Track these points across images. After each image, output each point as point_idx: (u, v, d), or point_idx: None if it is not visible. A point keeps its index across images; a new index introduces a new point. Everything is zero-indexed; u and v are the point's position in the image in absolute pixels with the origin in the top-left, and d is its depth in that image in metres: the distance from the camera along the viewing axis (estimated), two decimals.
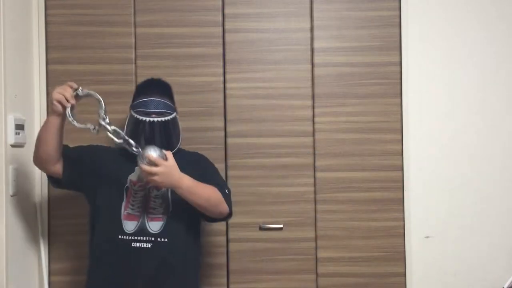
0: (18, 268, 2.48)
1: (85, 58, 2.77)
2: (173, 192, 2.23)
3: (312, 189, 2.76)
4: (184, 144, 2.72)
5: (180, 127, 2.40)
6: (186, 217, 2.28)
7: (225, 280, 2.76)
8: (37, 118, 2.73)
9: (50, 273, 2.74)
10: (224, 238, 2.76)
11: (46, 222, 2.75)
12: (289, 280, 2.75)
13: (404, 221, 2.75)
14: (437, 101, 2.76)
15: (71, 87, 2.19)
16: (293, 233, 2.75)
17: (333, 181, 2.76)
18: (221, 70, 2.78)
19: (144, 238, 2.23)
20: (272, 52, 2.78)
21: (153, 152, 2.10)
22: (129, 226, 2.24)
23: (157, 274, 2.22)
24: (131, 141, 2.16)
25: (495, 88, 2.77)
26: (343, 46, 2.78)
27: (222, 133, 2.77)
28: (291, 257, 2.75)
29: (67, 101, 2.16)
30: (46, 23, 2.76)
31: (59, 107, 2.16)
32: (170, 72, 2.76)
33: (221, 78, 2.78)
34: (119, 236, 2.23)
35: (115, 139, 2.17)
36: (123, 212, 2.25)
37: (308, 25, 2.79)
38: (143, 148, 2.13)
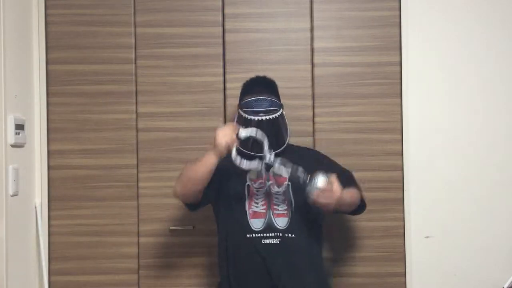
0: (18, 268, 2.48)
1: (85, 58, 2.77)
2: (294, 188, 2.29)
3: None
4: (184, 144, 2.73)
5: (287, 121, 2.42)
6: (309, 212, 2.30)
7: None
8: (37, 118, 2.73)
9: (50, 273, 2.74)
10: None
11: (46, 222, 2.75)
12: None
13: (404, 221, 2.75)
14: (437, 101, 2.76)
15: (234, 129, 2.22)
16: None
17: None
18: (221, 70, 2.78)
19: (273, 234, 2.27)
20: (272, 52, 2.78)
21: (323, 180, 2.11)
22: (257, 224, 2.28)
23: (285, 269, 2.25)
24: (300, 169, 2.16)
25: (495, 88, 2.76)
26: (343, 46, 2.78)
27: None
28: None
29: (233, 143, 2.19)
30: (46, 23, 2.76)
31: (226, 151, 2.19)
32: (170, 72, 2.77)
33: (221, 78, 2.78)
34: (247, 235, 2.26)
35: (283, 173, 2.22)
36: (248, 211, 2.30)
37: (308, 25, 2.79)
38: (313, 177, 2.12)
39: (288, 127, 2.40)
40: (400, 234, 2.76)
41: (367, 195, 2.74)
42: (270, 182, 2.31)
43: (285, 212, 2.30)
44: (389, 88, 2.77)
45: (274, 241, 2.26)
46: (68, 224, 2.75)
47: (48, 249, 2.74)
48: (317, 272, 2.34)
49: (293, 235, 2.28)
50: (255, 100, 2.34)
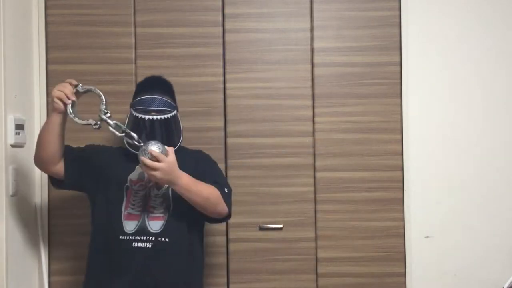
0: (18, 268, 2.48)
1: (85, 58, 2.77)
2: (174, 191, 2.22)
3: (312, 189, 2.76)
4: (184, 144, 2.72)
5: (182, 124, 2.38)
6: (188, 216, 2.26)
7: (225, 280, 2.76)
8: (37, 118, 2.73)
9: (50, 273, 2.74)
10: (224, 238, 2.76)
11: (46, 222, 2.75)
12: (289, 280, 2.75)
13: (404, 221, 2.75)
14: (437, 101, 2.76)
15: (71, 84, 2.18)
16: (293, 233, 2.75)
17: (333, 181, 2.76)
18: (221, 70, 2.78)
19: (145, 238, 2.20)
20: (272, 52, 2.78)
21: (155, 147, 2.08)
22: (130, 226, 2.22)
23: (158, 274, 2.20)
24: (133, 134, 2.14)
25: (495, 88, 2.77)
26: (343, 46, 2.78)
27: (222, 133, 2.77)
28: (291, 257, 2.75)
29: (68, 98, 2.15)
30: (46, 23, 2.76)
31: (60, 105, 2.14)
32: (170, 72, 2.76)
33: (221, 78, 2.78)
34: (120, 237, 2.21)
35: (117, 133, 2.16)
36: (124, 212, 2.24)
37: (308, 25, 2.79)
38: (146, 142, 2.11)
39: (181, 129, 2.35)
40: (400, 234, 2.76)
41: (367, 195, 2.75)
42: (151, 184, 2.23)
43: (161, 215, 2.23)
44: (389, 88, 2.77)
45: (146, 245, 2.19)
46: (68, 224, 2.75)
47: (48, 249, 2.74)
48: (189, 280, 2.27)
49: (166, 239, 2.20)
50: (148, 99, 2.27)
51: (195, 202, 2.19)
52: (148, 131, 2.24)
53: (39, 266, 2.70)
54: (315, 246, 2.76)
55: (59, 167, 2.28)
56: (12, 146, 2.44)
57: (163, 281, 2.21)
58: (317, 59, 2.78)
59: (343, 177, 2.76)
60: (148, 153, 2.07)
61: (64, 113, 2.17)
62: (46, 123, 2.23)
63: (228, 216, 2.32)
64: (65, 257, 2.75)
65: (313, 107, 2.78)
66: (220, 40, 2.78)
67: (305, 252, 2.76)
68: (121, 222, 2.22)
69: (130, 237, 2.21)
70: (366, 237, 2.76)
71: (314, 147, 2.77)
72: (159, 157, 2.06)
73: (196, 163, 2.34)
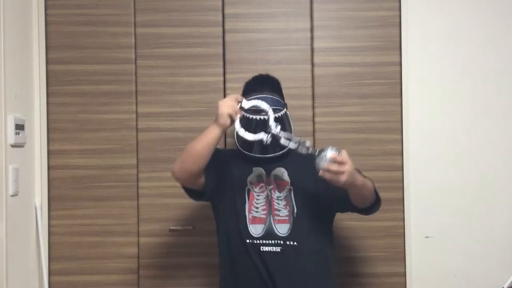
0: (18, 268, 2.48)
1: (85, 58, 2.77)
2: (296, 192, 2.19)
3: None
4: (184, 144, 2.72)
5: (292, 121, 2.33)
6: (314, 218, 2.20)
7: None
8: (37, 118, 2.74)
9: (50, 273, 2.74)
10: None
11: (46, 222, 2.75)
12: None
13: (404, 221, 2.75)
14: (437, 101, 2.76)
15: (237, 100, 2.12)
16: None
17: None
18: (221, 70, 2.78)
19: (273, 242, 2.15)
20: (272, 52, 2.78)
21: (334, 152, 1.99)
22: (256, 229, 2.17)
23: (288, 279, 2.14)
24: (308, 143, 2.05)
25: (495, 88, 2.76)
26: (343, 46, 2.78)
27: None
28: None
29: (236, 113, 2.09)
30: (46, 23, 2.76)
31: (229, 121, 2.08)
32: (170, 72, 2.77)
33: (221, 78, 2.78)
34: (247, 241, 2.16)
35: (292, 144, 2.07)
36: (248, 215, 2.19)
37: (308, 25, 2.79)
38: (319, 150, 2.02)
39: (292, 126, 2.32)
40: (400, 234, 2.76)
41: None
42: (271, 186, 2.21)
43: (287, 218, 2.18)
44: (389, 88, 2.77)
45: (275, 249, 2.15)
46: (68, 224, 2.75)
47: (48, 249, 2.74)
48: (321, 284, 2.20)
49: (295, 243, 2.15)
50: (259, 99, 2.20)
51: (362, 196, 2.10)
52: (260, 130, 2.15)
53: (39, 266, 2.70)
54: None
55: (202, 180, 2.20)
56: (12, 146, 2.44)
57: (295, 285, 2.15)
58: (317, 59, 2.78)
59: None
60: (329, 159, 1.97)
61: (226, 129, 2.11)
62: (205, 137, 2.11)
63: (379, 201, 2.21)
64: (65, 257, 2.75)
65: (313, 107, 2.78)
66: (220, 40, 2.78)
67: None
68: (247, 227, 2.17)
69: (258, 241, 2.16)
70: (366, 237, 2.76)
71: (314, 147, 2.76)
72: (344, 160, 1.97)
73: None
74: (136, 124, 2.76)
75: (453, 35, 2.77)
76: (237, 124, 2.10)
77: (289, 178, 2.24)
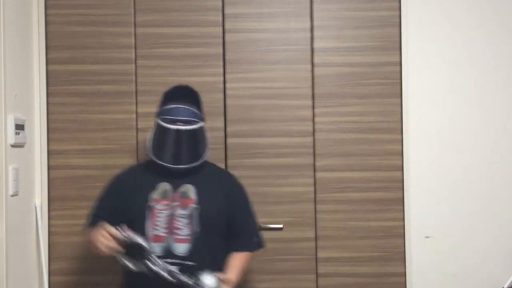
0: (18, 268, 2.48)
1: (85, 58, 2.77)
2: (200, 211, 2.18)
3: (312, 189, 2.76)
4: None
5: (208, 137, 2.34)
6: (215, 239, 2.22)
7: None
8: (37, 118, 2.74)
9: (50, 273, 2.74)
10: None
11: (46, 222, 2.75)
12: (289, 280, 2.75)
13: (404, 221, 2.75)
14: (437, 101, 2.76)
15: (112, 235, 2.07)
16: (293, 233, 2.75)
17: (333, 181, 2.76)
18: (221, 70, 2.78)
19: (171, 261, 2.14)
20: (272, 52, 2.78)
21: (213, 281, 2.05)
22: (156, 248, 2.15)
23: None
24: (183, 277, 2.07)
25: (494, 88, 2.76)
26: (343, 46, 2.78)
27: (222, 133, 2.77)
28: (291, 257, 2.76)
29: (117, 250, 2.08)
30: (46, 23, 2.76)
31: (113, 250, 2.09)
32: (170, 72, 2.77)
33: (221, 78, 2.78)
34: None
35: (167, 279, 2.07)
36: (148, 234, 2.18)
37: (308, 25, 2.79)
38: (196, 279, 2.05)
39: (207, 142, 2.31)
40: (400, 234, 2.76)
41: (367, 195, 2.75)
42: (176, 203, 2.18)
43: (188, 237, 2.17)
44: (389, 88, 2.77)
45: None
46: (68, 224, 2.75)
47: (48, 249, 2.74)
48: None
49: (192, 263, 2.14)
50: (175, 109, 2.22)
51: None
52: (174, 141, 2.19)
53: (39, 266, 2.70)
54: (315, 246, 2.76)
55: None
56: (12, 146, 2.44)
57: None
58: (317, 59, 2.78)
59: (343, 177, 2.76)
60: None
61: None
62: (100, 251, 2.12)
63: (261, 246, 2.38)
64: (65, 257, 2.75)
65: (313, 107, 2.78)
66: (220, 40, 2.78)
67: (305, 252, 2.76)
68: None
69: None
70: (366, 237, 2.76)
71: (314, 147, 2.77)
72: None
73: (228, 193, 2.29)
74: (136, 124, 2.76)
75: (453, 35, 2.77)
76: (122, 259, 2.08)
77: (196, 196, 2.22)
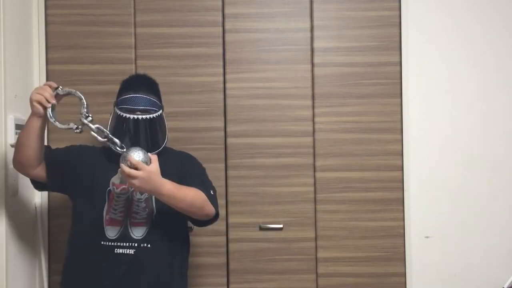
0: (18, 268, 2.48)
1: (85, 58, 2.77)
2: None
3: (312, 189, 2.76)
4: (184, 144, 2.72)
5: (167, 125, 2.32)
6: (172, 222, 2.20)
7: (225, 280, 2.76)
8: None
9: (50, 273, 2.74)
10: (224, 238, 2.76)
11: (46, 222, 2.75)
12: (289, 280, 2.75)
13: (404, 221, 2.75)
14: (437, 101, 2.76)
15: (51, 86, 2.11)
16: (293, 233, 2.75)
17: (333, 181, 2.76)
18: (221, 70, 2.78)
19: (127, 244, 2.14)
20: (272, 52, 2.78)
21: (136, 155, 2.00)
22: (112, 232, 2.15)
23: (139, 281, 2.14)
24: (116, 140, 2.08)
25: (495, 88, 2.77)
26: (343, 46, 2.78)
27: (222, 133, 2.77)
28: (291, 257, 2.76)
29: (47, 101, 2.08)
30: (46, 23, 2.76)
31: (40, 108, 2.07)
32: (170, 72, 2.77)
33: (221, 78, 2.78)
34: (102, 242, 2.15)
35: (99, 138, 2.09)
36: (105, 216, 2.17)
37: (308, 25, 2.79)
38: (128, 149, 2.04)
39: (166, 130, 2.29)
40: (400, 234, 2.76)
41: (367, 195, 2.75)
42: (133, 188, 2.13)
43: (144, 221, 2.16)
44: (389, 88, 2.77)
45: (128, 251, 2.13)
46: (68, 224, 2.74)
47: (48, 249, 2.74)
48: (172, 285, 2.21)
49: (149, 245, 2.14)
50: (133, 98, 2.20)
51: (181, 208, 2.12)
52: (132, 130, 2.18)
53: (39, 266, 2.70)
54: (315, 246, 2.76)
55: (39, 171, 2.21)
56: (12, 146, 2.44)
57: None
58: (317, 59, 2.78)
59: (343, 177, 2.76)
60: (128, 160, 1.99)
61: (44, 117, 2.11)
62: (25, 127, 2.14)
63: (216, 216, 2.25)
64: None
65: (313, 107, 2.78)
66: (220, 40, 2.78)
67: (305, 252, 2.76)
68: (103, 228, 2.16)
69: (112, 243, 2.15)
70: (366, 237, 2.76)
71: (314, 147, 2.77)
72: (138, 165, 1.98)
73: (181, 164, 2.28)
74: None
75: (453, 35, 2.77)
76: (49, 112, 2.09)
77: None
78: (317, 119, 2.78)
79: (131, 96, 2.21)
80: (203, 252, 2.74)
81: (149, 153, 2.05)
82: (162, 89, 2.76)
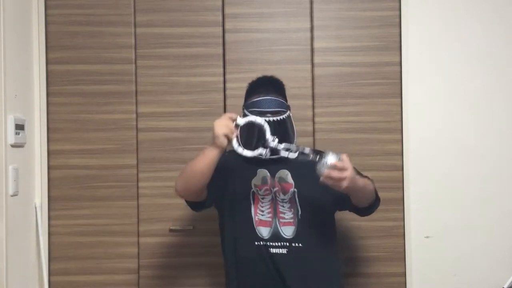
0: (18, 268, 2.48)
1: (85, 58, 2.77)
2: (300, 195, 2.20)
3: None
4: (184, 144, 2.73)
5: (294, 124, 2.32)
6: (318, 220, 2.22)
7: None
8: (37, 118, 2.74)
9: (50, 273, 2.74)
10: None
11: (46, 222, 2.75)
12: None
13: (404, 221, 2.75)
14: (437, 101, 2.76)
15: (231, 119, 2.09)
16: None
17: None
18: (221, 70, 2.78)
19: (280, 244, 2.17)
20: (272, 52, 2.78)
21: (333, 158, 2.00)
22: (263, 232, 2.18)
23: (295, 280, 2.16)
24: (306, 150, 2.06)
25: (494, 88, 2.76)
26: (343, 46, 2.78)
27: None
28: None
29: (232, 133, 2.06)
30: (46, 23, 2.76)
31: (226, 142, 2.06)
32: (170, 72, 2.77)
33: (221, 78, 2.78)
34: (256, 243, 2.17)
35: (290, 156, 2.07)
36: (254, 218, 2.20)
37: (308, 25, 2.79)
38: (320, 156, 2.02)
39: (295, 129, 2.30)
40: (400, 234, 2.76)
41: None
42: (276, 189, 2.21)
43: (292, 220, 2.19)
44: (389, 88, 2.77)
45: (281, 251, 2.17)
46: (68, 224, 2.75)
47: (48, 249, 2.74)
48: (329, 283, 2.23)
49: (300, 245, 2.17)
50: (262, 100, 2.22)
51: (362, 197, 2.16)
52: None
53: (39, 266, 2.70)
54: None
55: (205, 193, 2.21)
56: (12, 146, 2.44)
57: (305, 285, 2.17)
58: (317, 59, 2.78)
59: None
60: (330, 165, 1.98)
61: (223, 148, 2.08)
62: (203, 158, 2.10)
63: (378, 200, 2.27)
64: (65, 257, 2.75)
65: (313, 107, 2.78)
66: (220, 40, 2.78)
67: None
68: (254, 229, 2.18)
69: (266, 243, 2.17)
70: (366, 237, 2.76)
71: (314, 147, 2.76)
72: (344, 166, 1.98)
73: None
74: (136, 124, 2.76)
75: (453, 35, 2.77)
76: (235, 142, 2.09)
77: (293, 180, 2.24)
78: (317, 119, 2.78)
79: (261, 99, 2.23)
80: (203, 252, 2.74)
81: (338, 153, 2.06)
82: (162, 89, 2.78)
